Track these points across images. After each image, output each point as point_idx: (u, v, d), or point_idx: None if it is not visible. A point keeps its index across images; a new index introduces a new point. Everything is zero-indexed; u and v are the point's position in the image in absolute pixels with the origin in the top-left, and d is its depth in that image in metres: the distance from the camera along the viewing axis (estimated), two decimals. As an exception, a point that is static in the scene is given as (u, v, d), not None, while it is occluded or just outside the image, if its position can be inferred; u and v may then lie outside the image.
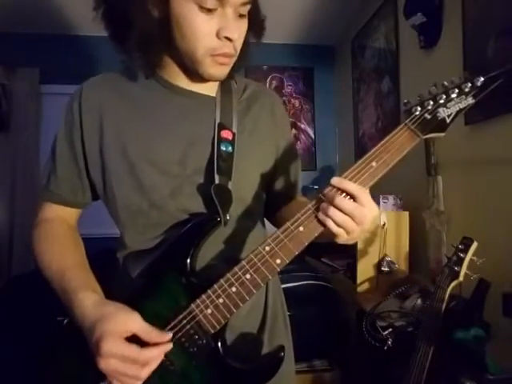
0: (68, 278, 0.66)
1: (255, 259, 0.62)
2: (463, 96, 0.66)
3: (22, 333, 1.66)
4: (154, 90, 0.76)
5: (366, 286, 1.80)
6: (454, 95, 0.65)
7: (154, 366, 0.59)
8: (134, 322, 0.59)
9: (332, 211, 0.59)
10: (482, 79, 0.65)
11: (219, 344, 0.64)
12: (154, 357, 0.59)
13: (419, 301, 1.49)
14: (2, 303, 1.96)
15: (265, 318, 0.83)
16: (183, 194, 0.73)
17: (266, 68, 3.23)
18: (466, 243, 1.14)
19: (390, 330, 1.34)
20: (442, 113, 0.65)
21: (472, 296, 1.26)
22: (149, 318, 0.61)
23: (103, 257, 0.77)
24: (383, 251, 1.79)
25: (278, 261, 0.62)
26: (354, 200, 0.59)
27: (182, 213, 0.73)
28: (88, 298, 0.63)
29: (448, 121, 0.66)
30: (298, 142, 3.28)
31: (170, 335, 0.61)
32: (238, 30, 0.69)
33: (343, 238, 0.61)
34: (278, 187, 0.87)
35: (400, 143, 0.64)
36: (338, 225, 0.59)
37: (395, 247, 1.82)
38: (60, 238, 0.74)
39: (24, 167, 2.88)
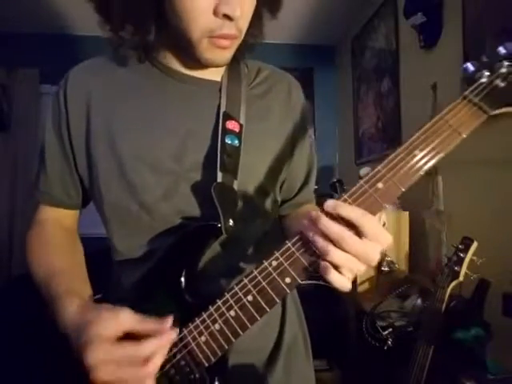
0: (54, 285, 0.58)
1: (259, 277, 0.50)
2: None
3: (22, 333, 1.66)
4: (149, 75, 0.66)
5: (365, 286, 1.79)
6: None
7: (159, 359, 0.48)
8: (124, 318, 0.49)
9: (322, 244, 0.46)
10: None
11: (216, 382, 0.53)
12: (156, 347, 0.48)
13: (419, 301, 1.49)
14: (2, 303, 1.96)
15: (280, 338, 0.71)
16: (178, 194, 0.63)
17: (265, 68, 3.23)
18: (466, 243, 1.14)
19: (390, 329, 1.35)
20: None
21: (472, 296, 1.26)
22: None
23: (100, 258, 0.73)
24: (383, 251, 1.79)
25: (288, 280, 0.49)
26: (356, 231, 0.46)
27: (177, 216, 0.63)
28: (71, 304, 0.54)
29: None
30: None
31: (170, 321, 0.50)
32: (241, 6, 0.55)
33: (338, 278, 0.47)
34: (289, 189, 0.77)
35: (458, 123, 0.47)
36: (334, 266, 0.46)
37: (395, 247, 1.82)
38: (50, 240, 0.66)
39: (24, 167, 2.88)
